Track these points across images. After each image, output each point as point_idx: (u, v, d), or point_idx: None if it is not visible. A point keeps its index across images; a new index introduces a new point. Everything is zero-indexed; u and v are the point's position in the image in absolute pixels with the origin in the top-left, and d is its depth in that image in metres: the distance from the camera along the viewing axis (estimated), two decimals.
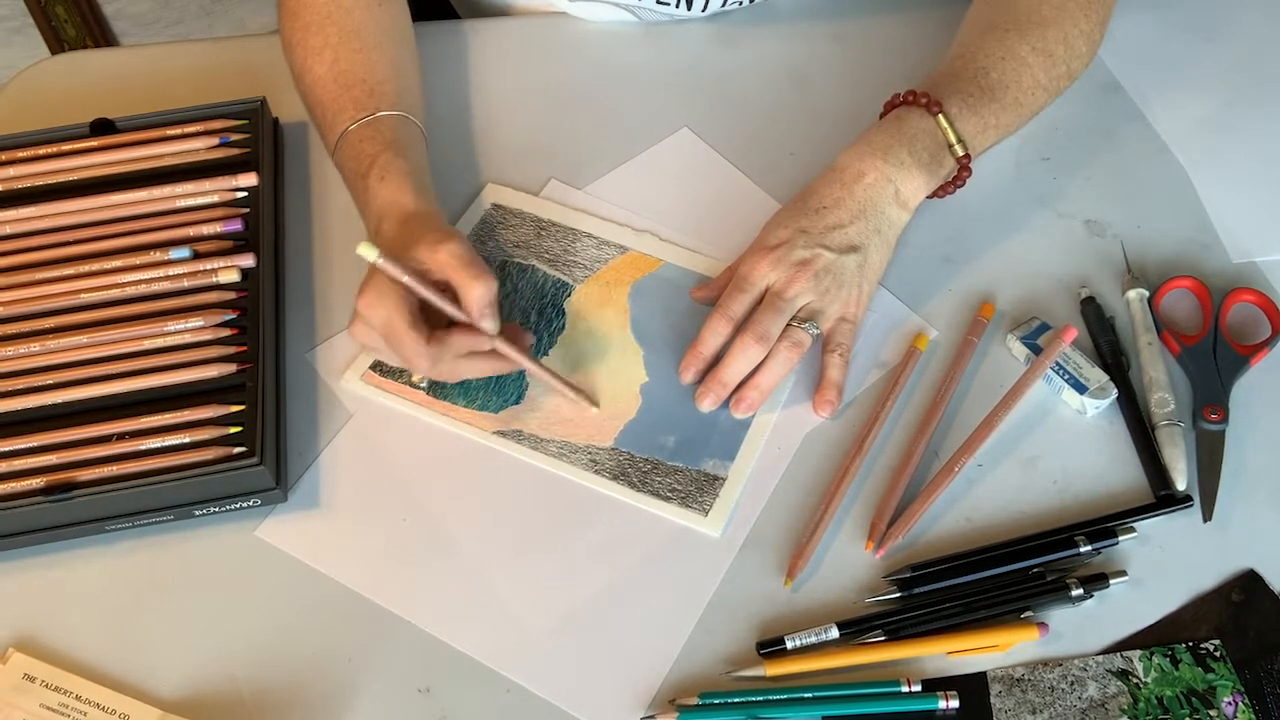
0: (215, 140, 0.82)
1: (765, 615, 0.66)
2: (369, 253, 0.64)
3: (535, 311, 0.78)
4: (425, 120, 0.81)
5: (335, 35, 0.79)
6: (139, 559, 0.69)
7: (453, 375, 0.71)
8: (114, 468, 0.67)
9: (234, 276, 0.75)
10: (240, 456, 0.68)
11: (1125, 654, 0.64)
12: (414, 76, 0.82)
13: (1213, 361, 0.74)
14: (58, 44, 1.83)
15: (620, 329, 0.78)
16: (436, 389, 0.74)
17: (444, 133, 0.87)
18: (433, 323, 0.68)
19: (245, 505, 0.69)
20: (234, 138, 0.82)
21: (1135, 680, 0.64)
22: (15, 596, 0.68)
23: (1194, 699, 0.63)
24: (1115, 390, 0.73)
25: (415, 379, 0.75)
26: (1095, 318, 0.76)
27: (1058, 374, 0.73)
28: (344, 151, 0.75)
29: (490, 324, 0.68)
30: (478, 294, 0.66)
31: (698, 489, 0.71)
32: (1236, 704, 0.63)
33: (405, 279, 0.65)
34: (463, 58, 0.93)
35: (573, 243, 0.82)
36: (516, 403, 0.74)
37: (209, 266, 0.75)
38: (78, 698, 0.64)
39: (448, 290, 0.67)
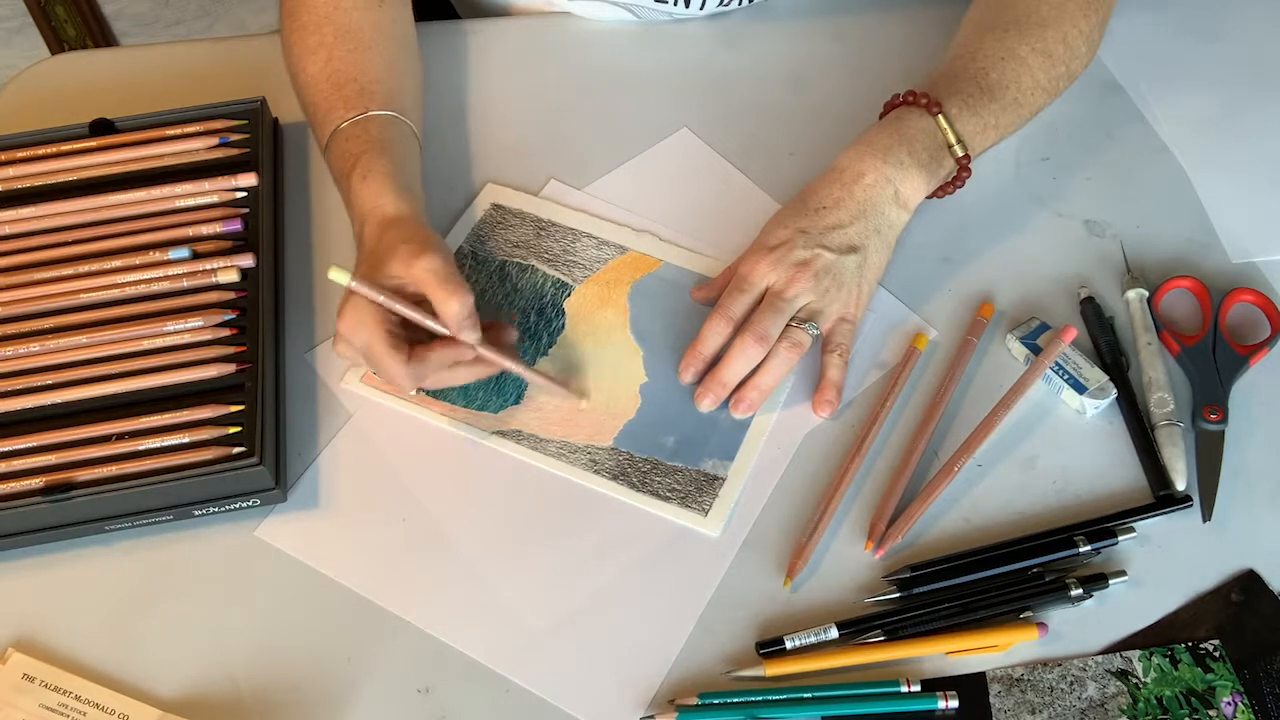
0: (215, 140, 0.82)
1: (765, 615, 0.66)
2: (340, 277, 0.64)
3: (535, 311, 0.78)
4: (423, 122, 0.81)
5: (330, 35, 0.79)
6: (138, 559, 0.69)
7: (439, 385, 0.70)
8: (113, 468, 0.67)
9: (233, 277, 0.75)
10: (239, 456, 0.68)
11: (1124, 654, 0.64)
12: (410, 78, 0.82)
13: (1212, 361, 0.74)
14: (58, 44, 1.83)
15: (620, 329, 0.78)
16: (435, 390, 0.74)
17: (444, 133, 0.87)
18: (416, 333, 0.68)
19: (245, 505, 0.69)
20: (233, 138, 0.82)
21: (1134, 680, 0.64)
22: (15, 596, 0.68)
23: (1193, 699, 0.63)
24: (1115, 390, 0.73)
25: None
26: (1095, 318, 0.76)
27: (1057, 374, 0.73)
28: (332, 150, 0.76)
29: (470, 335, 0.67)
30: (454, 310, 0.66)
31: (697, 489, 0.71)
32: (1236, 704, 0.63)
33: (380, 299, 0.65)
34: (463, 58, 0.93)
35: (572, 243, 0.82)
36: (516, 403, 0.74)
37: (208, 267, 0.75)
38: (77, 698, 0.64)
39: (425, 303, 0.67)
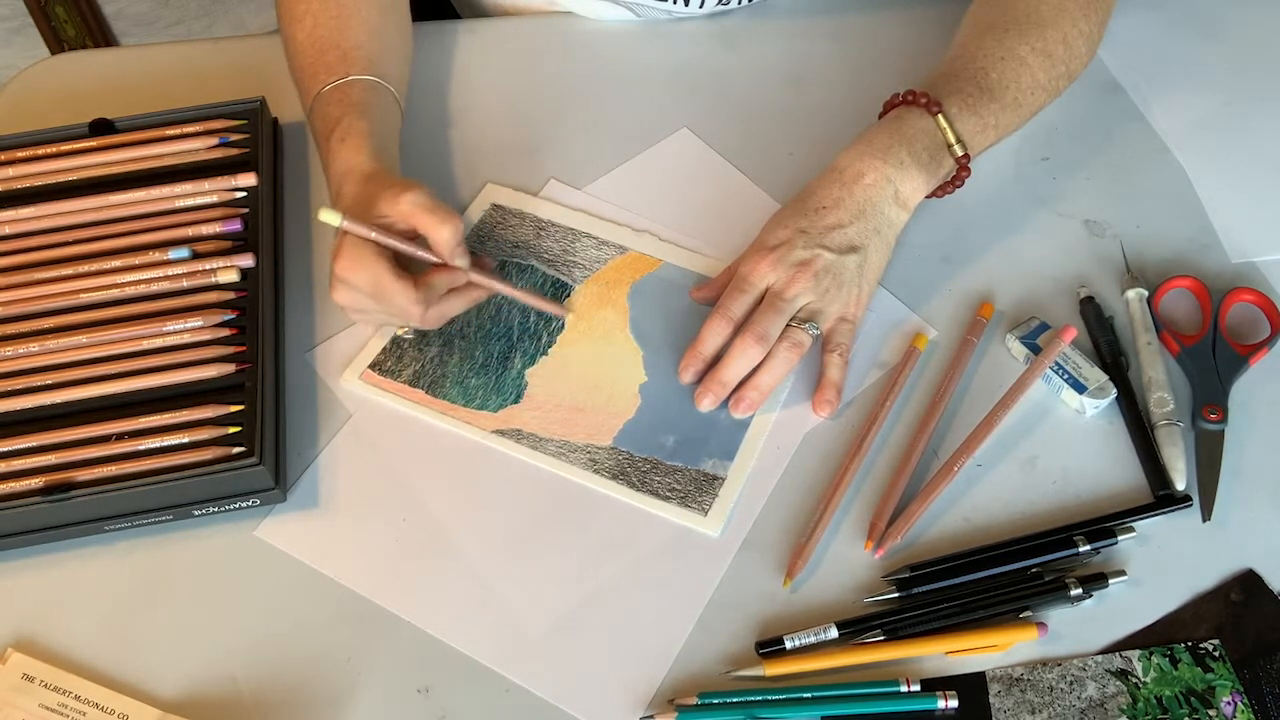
0: (214, 140, 0.82)
1: (764, 615, 0.66)
2: (331, 218, 0.66)
3: (535, 311, 0.78)
4: (407, 88, 0.82)
5: (316, 2, 0.80)
6: (138, 559, 0.69)
7: (440, 318, 0.72)
8: (113, 468, 0.67)
9: (233, 276, 0.75)
10: (239, 456, 0.68)
11: (1124, 654, 0.64)
12: (395, 44, 0.83)
13: (1212, 361, 0.74)
14: (58, 44, 1.83)
15: (620, 329, 0.78)
16: (435, 387, 0.75)
17: (443, 133, 0.87)
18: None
19: (244, 505, 0.69)
20: (233, 138, 0.82)
21: (1134, 680, 0.64)
22: (14, 596, 0.68)
23: (1193, 699, 0.63)
24: (1114, 390, 0.73)
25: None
26: (1094, 317, 0.76)
27: (1057, 374, 0.73)
28: (314, 114, 0.77)
29: (462, 260, 0.70)
30: (446, 235, 0.68)
31: (697, 489, 0.71)
32: (1235, 704, 0.63)
33: (373, 235, 0.67)
34: (463, 58, 0.93)
35: (572, 243, 0.82)
36: (515, 402, 0.74)
37: (208, 266, 0.75)
38: (77, 698, 0.64)
39: (416, 238, 0.69)
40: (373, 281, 0.67)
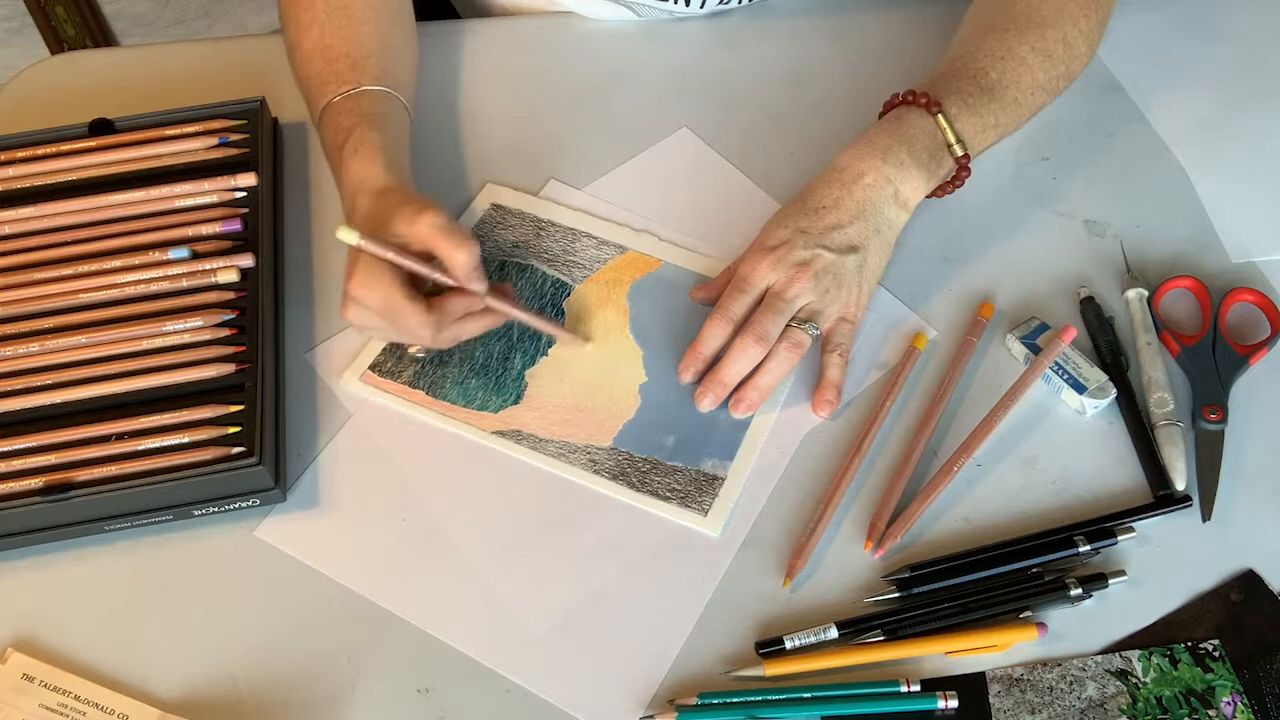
0: (214, 140, 0.82)
1: (764, 615, 0.66)
2: (349, 236, 0.65)
3: (535, 312, 0.78)
4: (415, 97, 0.81)
5: (323, 11, 0.79)
6: (138, 559, 0.69)
7: (454, 340, 0.71)
8: (112, 468, 0.67)
9: (233, 276, 0.75)
10: (239, 456, 0.68)
11: (1124, 654, 0.64)
12: (404, 53, 0.83)
13: (1212, 361, 0.74)
14: (57, 44, 1.83)
15: (619, 329, 0.78)
16: (436, 388, 0.75)
17: (443, 133, 0.87)
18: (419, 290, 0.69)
19: (244, 505, 0.69)
20: (233, 138, 0.82)
21: (1134, 680, 0.64)
22: (14, 596, 0.68)
23: (1193, 699, 0.63)
24: (1114, 390, 0.73)
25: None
26: (1094, 318, 0.76)
27: (1057, 374, 0.73)
28: (324, 124, 0.76)
29: (479, 285, 0.69)
30: (463, 259, 0.67)
31: (697, 489, 0.71)
32: (1235, 704, 0.63)
33: (389, 256, 0.66)
34: (463, 58, 0.93)
35: (572, 243, 0.82)
36: (515, 403, 0.74)
37: (208, 266, 0.75)
38: (77, 698, 0.64)
39: (432, 259, 0.68)
40: (385, 301, 0.67)
